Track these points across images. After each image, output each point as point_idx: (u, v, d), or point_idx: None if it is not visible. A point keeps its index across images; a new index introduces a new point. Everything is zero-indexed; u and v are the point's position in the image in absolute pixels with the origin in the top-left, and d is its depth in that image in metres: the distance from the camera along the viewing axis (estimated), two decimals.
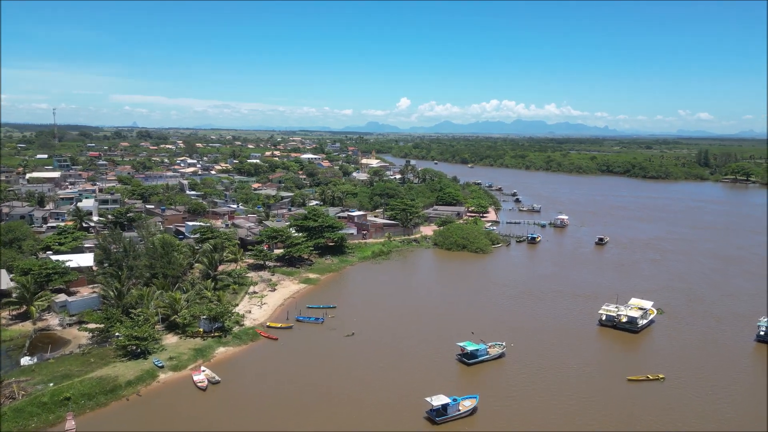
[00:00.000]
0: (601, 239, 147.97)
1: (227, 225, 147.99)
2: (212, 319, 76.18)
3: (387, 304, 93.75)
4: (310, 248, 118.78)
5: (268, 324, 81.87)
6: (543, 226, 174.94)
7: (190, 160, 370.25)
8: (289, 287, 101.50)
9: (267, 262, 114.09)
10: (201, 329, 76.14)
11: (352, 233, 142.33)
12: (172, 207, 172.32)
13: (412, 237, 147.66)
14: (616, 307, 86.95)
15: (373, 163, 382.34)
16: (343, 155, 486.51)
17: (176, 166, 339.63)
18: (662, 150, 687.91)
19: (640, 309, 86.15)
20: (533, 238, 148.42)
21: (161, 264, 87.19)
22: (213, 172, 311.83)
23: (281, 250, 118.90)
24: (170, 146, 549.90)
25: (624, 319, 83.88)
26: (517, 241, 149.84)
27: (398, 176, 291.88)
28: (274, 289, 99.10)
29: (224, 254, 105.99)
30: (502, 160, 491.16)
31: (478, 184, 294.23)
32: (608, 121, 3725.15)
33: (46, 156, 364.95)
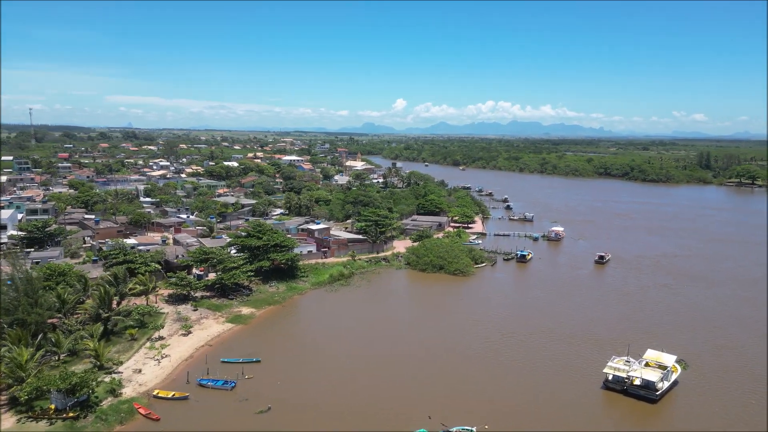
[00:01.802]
0: (601, 257, 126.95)
1: (164, 240, 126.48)
2: (68, 392, 54.63)
3: (327, 356, 72.32)
4: (250, 273, 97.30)
5: (155, 392, 60.29)
6: (535, 239, 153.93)
7: (163, 163, 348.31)
8: (209, 329, 79.92)
9: (192, 293, 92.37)
10: (52, 406, 54.63)
11: (311, 251, 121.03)
12: (112, 218, 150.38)
13: (382, 255, 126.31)
14: (627, 362, 65.94)
15: (358, 165, 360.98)
16: (330, 157, 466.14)
17: (146, 169, 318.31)
18: (659, 151, 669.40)
19: (660, 366, 65.07)
20: (523, 256, 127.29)
21: (24, 308, 65.51)
22: (183, 175, 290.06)
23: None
24: (152, 147, 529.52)
25: (638, 382, 62.76)
26: (504, 259, 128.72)
27: (381, 180, 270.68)
28: (189, 332, 77.53)
29: (132, 284, 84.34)
30: (495, 162, 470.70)
31: (467, 188, 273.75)
32: (603, 122, 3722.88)
33: (11, 158, 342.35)
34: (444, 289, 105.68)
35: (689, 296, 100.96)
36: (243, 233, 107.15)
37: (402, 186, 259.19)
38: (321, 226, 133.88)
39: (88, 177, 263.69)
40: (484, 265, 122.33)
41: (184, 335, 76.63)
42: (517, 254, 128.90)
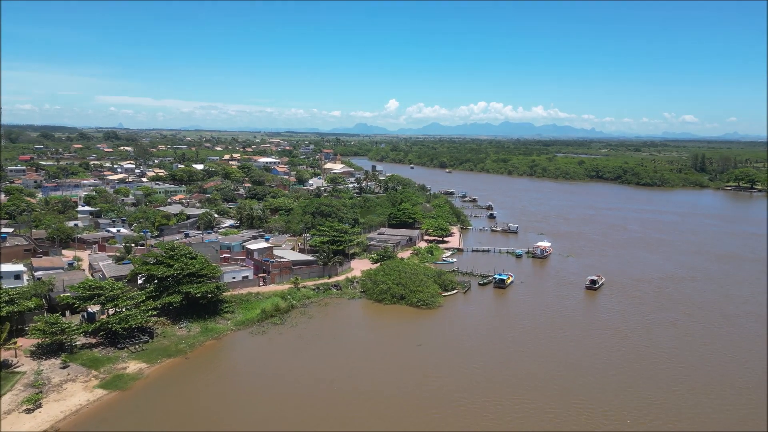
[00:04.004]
0: (593, 282, 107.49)
1: (72, 263, 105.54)
2: None
3: None
4: (152, 313, 76.92)
5: None
6: (518, 255, 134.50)
7: (127, 165, 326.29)
8: (69, 399, 59.35)
9: (71, 341, 71.54)
10: None
11: (246, 276, 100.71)
12: (27, 233, 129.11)
13: (334, 280, 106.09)
14: None
15: (337, 168, 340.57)
16: (311, 159, 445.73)
17: (107, 172, 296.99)
18: (651, 153, 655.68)
19: None
20: (502, 280, 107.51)
21: None
22: (144, 179, 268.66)
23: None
24: (128, 149, 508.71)
25: None
26: (480, 284, 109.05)
27: (356, 185, 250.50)
28: (36, 407, 56.95)
29: None
30: (483, 164, 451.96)
31: (450, 193, 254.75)
32: (595, 123, 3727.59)
33: None
34: (399, 330, 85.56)
35: (704, 340, 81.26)
36: (151, 259, 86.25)
37: (380, 191, 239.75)
38: (263, 244, 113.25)
39: (35, 181, 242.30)
40: (455, 292, 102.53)
41: (29, 412, 56.04)
42: (494, 278, 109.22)
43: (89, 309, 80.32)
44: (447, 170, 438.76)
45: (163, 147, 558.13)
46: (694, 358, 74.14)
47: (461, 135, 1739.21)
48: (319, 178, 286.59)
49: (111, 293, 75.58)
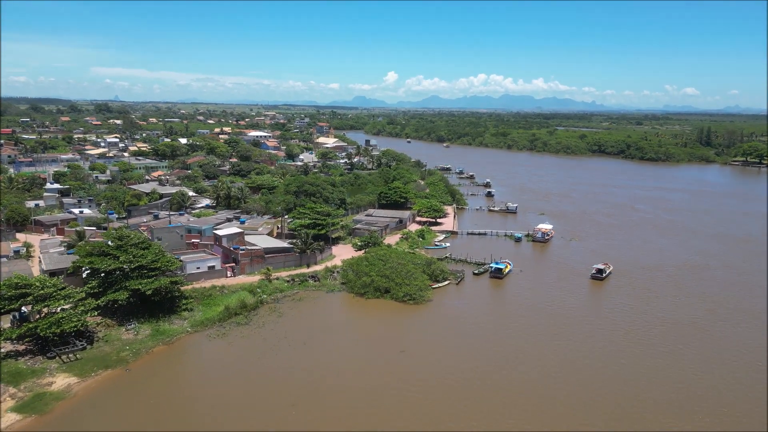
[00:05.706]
0: (600, 271, 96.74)
1: (18, 251, 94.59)
2: None
3: None
4: (92, 314, 66.18)
5: None
6: (518, 239, 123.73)
7: (111, 139, 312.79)
8: None
9: None
10: None
11: (213, 266, 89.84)
12: None
13: (312, 269, 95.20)
14: None
15: (329, 142, 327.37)
16: (304, 133, 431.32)
17: (89, 146, 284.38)
18: (654, 126, 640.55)
19: None
20: (498, 270, 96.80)
21: None
22: (126, 154, 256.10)
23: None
24: (118, 122, 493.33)
25: None
26: (474, 273, 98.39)
27: (347, 161, 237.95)
28: None
29: None
30: (482, 138, 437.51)
31: (447, 169, 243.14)
32: (595, 96, 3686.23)
33: None
34: (381, 331, 74.93)
35: (733, 347, 70.59)
36: (96, 249, 74.96)
37: (372, 167, 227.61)
38: (233, 229, 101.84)
39: (9, 156, 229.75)
40: (446, 283, 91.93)
41: None
42: (491, 267, 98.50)
43: (23, 309, 69.60)
44: (445, 145, 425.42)
45: (154, 120, 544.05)
46: (725, 373, 62.89)
47: (461, 108, 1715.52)
48: (311, 153, 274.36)
49: (42, 292, 64.67)
